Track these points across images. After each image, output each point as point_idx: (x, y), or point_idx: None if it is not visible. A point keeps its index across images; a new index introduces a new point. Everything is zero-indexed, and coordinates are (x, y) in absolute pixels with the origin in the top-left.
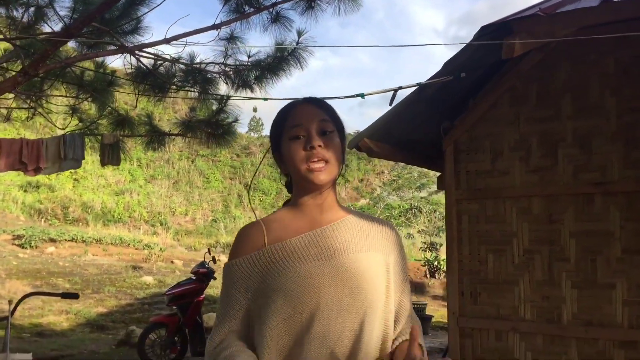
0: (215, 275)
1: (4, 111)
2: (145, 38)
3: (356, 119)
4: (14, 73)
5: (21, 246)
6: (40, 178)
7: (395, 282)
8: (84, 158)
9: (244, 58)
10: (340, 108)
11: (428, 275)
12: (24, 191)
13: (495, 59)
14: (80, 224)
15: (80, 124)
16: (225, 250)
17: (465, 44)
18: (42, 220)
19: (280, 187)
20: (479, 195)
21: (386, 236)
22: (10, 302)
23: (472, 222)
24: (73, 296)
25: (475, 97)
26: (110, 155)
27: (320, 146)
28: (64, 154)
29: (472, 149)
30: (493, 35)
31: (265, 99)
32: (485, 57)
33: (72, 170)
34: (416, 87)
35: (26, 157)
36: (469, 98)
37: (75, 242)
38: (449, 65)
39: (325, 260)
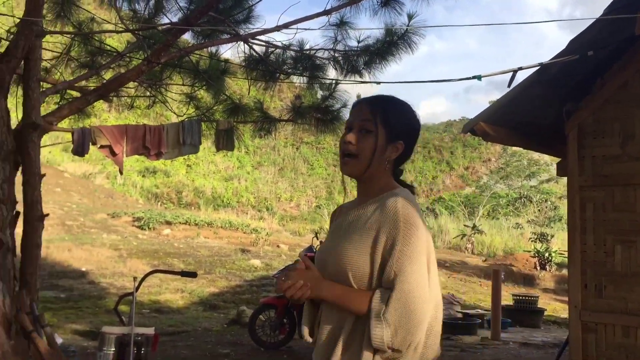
0: None
1: (128, 100)
2: (256, 26)
3: (462, 105)
4: (136, 63)
5: (140, 228)
6: (157, 164)
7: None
8: (201, 143)
9: (353, 43)
10: (445, 94)
11: (538, 267)
12: (142, 176)
13: (627, 35)
14: (193, 207)
15: (196, 111)
16: None
17: (594, 19)
18: (159, 203)
19: None
20: (605, 182)
21: (375, 212)
22: (134, 279)
23: (597, 211)
24: (191, 275)
25: (602, 77)
26: (225, 140)
27: (350, 142)
28: (182, 139)
29: (598, 133)
30: (625, 9)
31: (378, 82)
32: (616, 34)
33: (185, 157)
34: (537, 67)
35: (149, 142)
36: (594, 78)
37: (189, 225)
38: (574, 44)
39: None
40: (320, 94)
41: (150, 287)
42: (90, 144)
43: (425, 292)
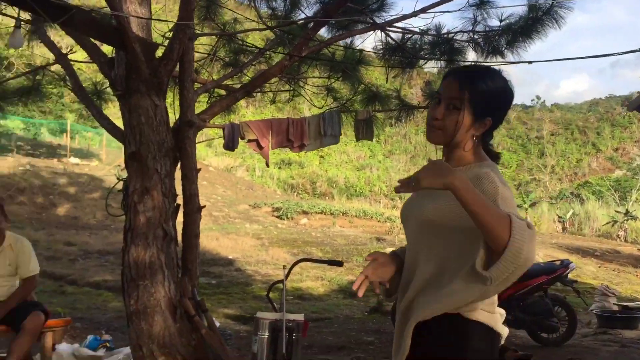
0: None
1: (270, 95)
2: (390, 14)
3: (607, 82)
4: (276, 60)
5: (279, 217)
6: (292, 156)
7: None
8: (341, 134)
9: (494, 23)
10: (588, 71)
11: None
12: (278, 168)
13: None
14: (327, 197)
15: (334, 102)
16: None
17: None
18: (295, 194)
19: (522, 159)
20: None
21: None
22: (284, 267)
23: None
24: (337, 264)
25: None
26: (365, 130)
27: (437, 118)
28: (323, 130)
29: None
30: None
31: (530, 62)
32: None
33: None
34: None
35: (292, 135)
36: None
37: (324, 214)
38: None
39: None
40: None
41: (292, 274)
42: (239, 138)
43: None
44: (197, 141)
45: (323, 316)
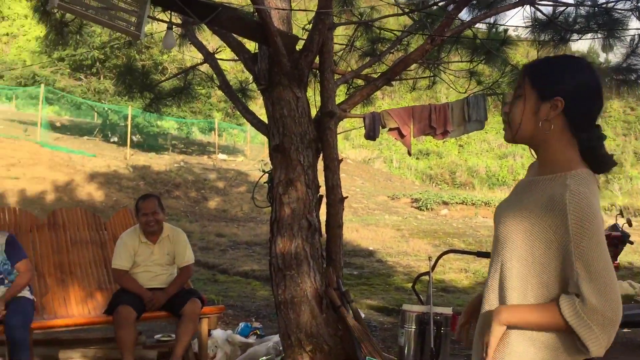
0: (631, 239)
1: (408, 84)
2: None
3: None
4: (414, 46)
5: (419, 208)
6: (430, 146)
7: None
8: (486, 119)
9: None
10: None
11: None
12: (416, 159)
13: None
14: (467, 187)
15: (478, 86)
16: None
17: None
18: (433, 184)
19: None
20: None
21: (543, 204)
22: (429, 259)
23: None
24: (487, 255)
25: None
26: None
27: (505, 112)
28: (467, 116)
29: None
30: None
31: None
32: None
33: (457, 137)
34: None
35: (435, 122)
36: None
37: (465, 204)
38: None
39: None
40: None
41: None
42: (380, 127)
43: (613, 276)
44: (337, 132)
45: None
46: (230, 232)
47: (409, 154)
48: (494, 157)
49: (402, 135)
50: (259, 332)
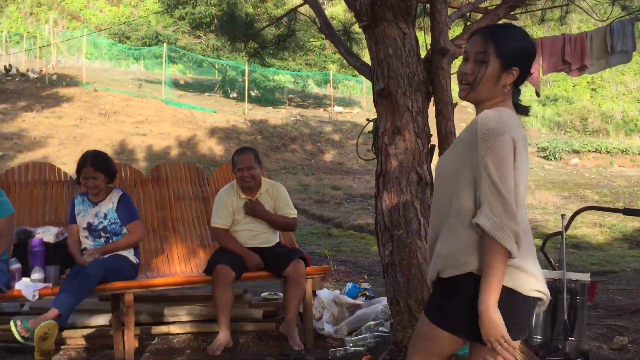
0: None
1: (538, 13)
2: None
3: None
4: None
5: (546, 158)
6: (557, 91)
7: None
8: (635, 49)
9: None
10: None
11: None
12: (542, 105)
13: None
14: (600, 134)
15: (622, 11)
16: None
17: None
18: (562, 132)
19: None
20: None
21: (465, 131)
22: (562, 216)
23: None
24: (636, 213)
25: None
26: None
27: (466, 73)
28: (610, 46)
29: None
30: None
31: None
32: None
33: (589, 79)
34: None
35: (569, 55)
36: None
37: (599, 153)
38: None
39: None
40: None
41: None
42: None
43: (510, 187)
44: (450, 72)
45: (605, 269)
46: (345, 184)
47: (537, 94)
48: (631, 101)
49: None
50: (367, 294)
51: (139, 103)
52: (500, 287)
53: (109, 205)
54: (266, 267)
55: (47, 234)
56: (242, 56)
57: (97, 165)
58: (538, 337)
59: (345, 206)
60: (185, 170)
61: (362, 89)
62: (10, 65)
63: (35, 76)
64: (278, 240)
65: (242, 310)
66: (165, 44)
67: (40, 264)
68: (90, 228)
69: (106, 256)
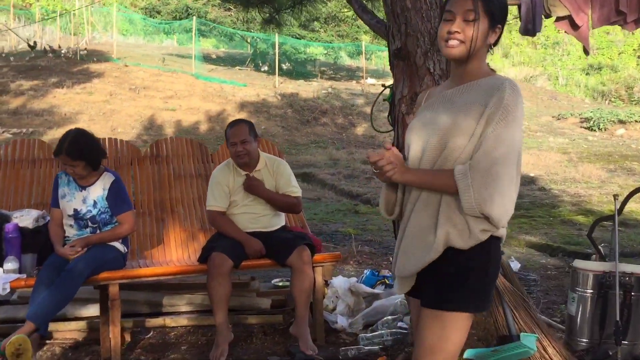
0: None
1: None
2: None
3: None
4: None
5: (589, 129)
6: (602, 59)
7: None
8: None
9: None
10: None
11: None
12: (586, 74)
13: None
14: None
15: None
16: None
17: None
18: (606, 102)
19: None
20: None
21: (484, 93)
22: (615, 197)
23: None
24: None
25: None
26: None
27: (457, 31)
28: None
29: None
30: None
31: None
32: None
33: (636, 47)
34: None
35: (624, 6)
36: None
37: None
38: None
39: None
40: None
41: (607, 191)
42: (543, 17)
43: (510, 160)
44: None
45: None
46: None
47: (586, 52)
48: None
49: (575, 27)
50: (387, 282)
51: (169, 78)
52: (424, 184)
53: (99, 191)
54: (268, 254)
55: (25, 218)
56: (273, 29)
57: (74, 154)
58: (583, 340)
59: (376, 181)
60: (187, 145)
61: None
62: (35, 43)
63: (64, 52)
64: (283, 224)
65: (248, 299)
66: (195, 17)
67: (15, 252)
68: (76, 216)
69: (89, 247)
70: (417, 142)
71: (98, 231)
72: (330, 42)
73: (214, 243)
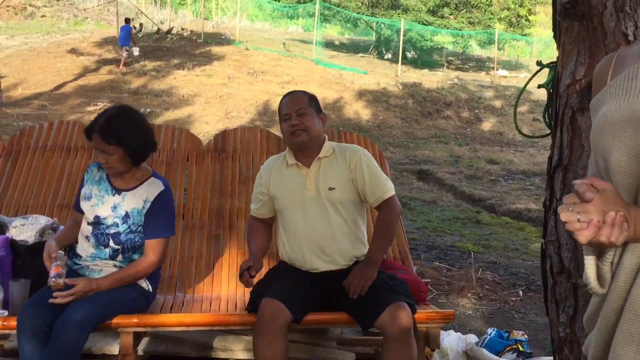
0: None
1: None
2: None
3: None
4: None
5: None
6: None
7: None
8: None
9: None
10: None
11: None
12: None
13: None
14: None
15: None
16: None
17: None
18: None
19: None
20: None
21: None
22: None
23: None
24: None
25: None
26: None
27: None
28: None
29: None
30: None
31: None
32: None
33: None
34: None
35: None
36: None
37: None
38: None
39: None
40: None
41: None
42: None
43: None
44: None
45: None
46: (504, 158)
47: None
48: None
49: None
50: (521, 348)
51: (288, 63)
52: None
53: (138, 202)
54: (343, 304)
55: (26, 229)
56: (398, 14)
57: (109, 135)
58: None
59: (502, 185)
60: (261, 138)
61: (531, 51)
62: (141, 25)
63: (187, 34)
64: (363, 253)
65: (325, 350)
66: (318, 1)
67: (0, 277)
68: (97, 225)
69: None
70: (624, 151)
71: (120, 257)
72: (460, 30)
73: (265, 285)
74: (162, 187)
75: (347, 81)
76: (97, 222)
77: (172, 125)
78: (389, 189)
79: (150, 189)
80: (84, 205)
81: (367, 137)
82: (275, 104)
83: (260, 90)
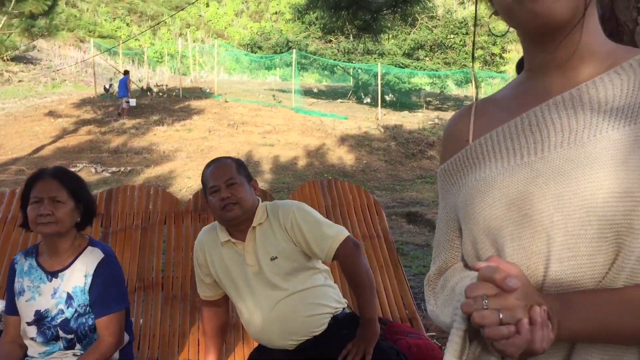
0: None
1: None
2: None
3: None
4: None
5: None
6: None
7: None
8: None
9: None
10: None
11: None
12: None
13: None
14: None
15: None
16: None
17: None
18: None
19: None
20: None
21: None
22: None
23: None
24: None
25: None
26: None
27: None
28: None
29: None
30: None
31: None
32: None
33: None
34: None
35: None
36: None
37: None
38: None
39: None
40: None
41: None
42: None
43: None
44: None
45: None
46: None
47: None
48: None
49: None
50: None
51: (268, 113)
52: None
53: (78, 278)
54: None
55: None
56: (375, 58)
57: (67, 180)
58: None
59: None
60: None
61: None
62: (111, 85)
63: (160, 92)
64: (340, 304)
65: None
66: (295, 50)
67: None
68: (39, 320)
69: None
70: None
71: (79, 346)
72: (437, 70)
73: None
74: (102, 255)
75: (328, 127)
76: (39, 319)
77: (148, 186)
78: (336, 235)
79: (89, 261)
80: (19, 303)
81: (352, 182)
82: (257, 154)
83: (242, 142)
